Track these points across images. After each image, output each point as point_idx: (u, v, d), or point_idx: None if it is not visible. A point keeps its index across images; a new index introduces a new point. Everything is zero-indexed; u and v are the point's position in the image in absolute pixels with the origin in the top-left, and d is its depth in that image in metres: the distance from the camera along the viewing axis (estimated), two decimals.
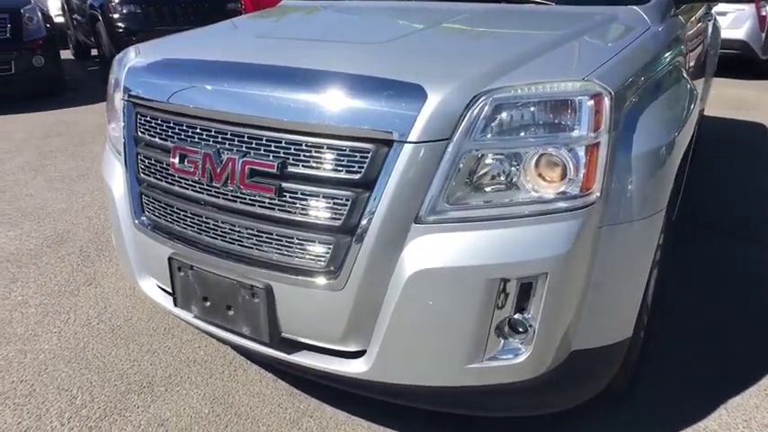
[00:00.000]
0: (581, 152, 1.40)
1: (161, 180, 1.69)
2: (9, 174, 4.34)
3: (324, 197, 1.43)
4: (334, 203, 1.42)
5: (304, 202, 1.45)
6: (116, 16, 6.74)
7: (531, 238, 1.38)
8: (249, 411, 1.98)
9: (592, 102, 1.39)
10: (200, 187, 1.60)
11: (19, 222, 3.48)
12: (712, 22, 3.82)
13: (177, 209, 1.67)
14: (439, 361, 1.45)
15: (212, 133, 1.56)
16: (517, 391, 1.56)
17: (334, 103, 1.41)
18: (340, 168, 1.41)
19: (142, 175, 1.76)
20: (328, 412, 1.97)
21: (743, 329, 2.41)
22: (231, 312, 1.61)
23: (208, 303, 1.65)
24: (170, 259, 1.68)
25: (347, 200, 1.41)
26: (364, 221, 1.39)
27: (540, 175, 1.42)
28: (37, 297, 2.68)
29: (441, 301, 1.40)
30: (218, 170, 1.53)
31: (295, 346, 1.61)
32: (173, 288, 1.72)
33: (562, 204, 1.40)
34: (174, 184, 1.66)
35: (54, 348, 2.31)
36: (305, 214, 1.45)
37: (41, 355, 2.28)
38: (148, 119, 1.72)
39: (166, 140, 1.66)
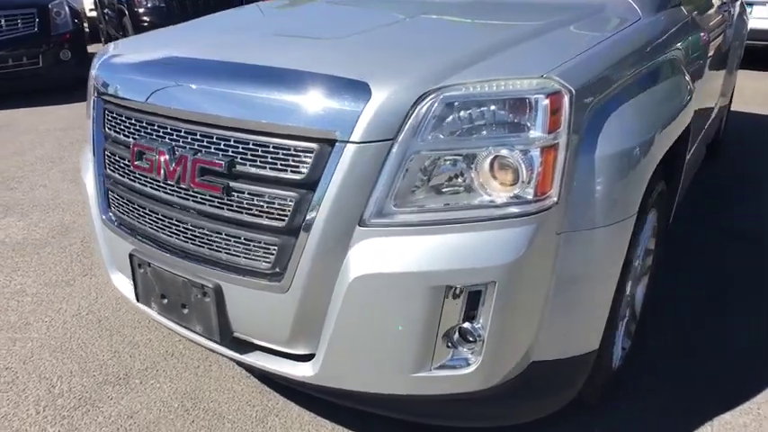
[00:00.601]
0: (536, 154, 1.32)
1: (123, 177, 1.69)
2: (29, 164, 4.48)
3: (269, 197, 1.40)
4: (279, 204, 1.39)
5: (250, 202, 1.42)
6: (141, 10, 6.87)
7: (479, 245, 1.32)
8: (217, 407, 1.98)
9: (548, 101, 1.31)
10: (156, 185, 1.59)
11: (29, 212, 3.58)
12: (738, 12, 3.62)
13: (137, 206, 1.67)
14: (385, 368, 1.41)
15: (168, 130, 1.55)
16: (475, 401, 1.50)
17: (278, 100, 1.38)
18: (284, 168, 1.37)
19: (108, 171, 1.77)
20: (295, 412, 1.95)
21: (744, 341, 2.27)
22: (186, 311, 1.60)
23: (165, 301, 1.65)
24: (131, 256, 1.68)
25: (291, 200, 1.37)
26: (308, 223, 1.36)
27: (494, 178, 1.36)
28: (34, 286, 2.75)
29: (384, 307, 1.35)
30: (172, 168, 1.52)
31: (247, 346, 1.59)
32: (134, 284, 1.72)
33: (514, 209, 1.33)
34: (134, 181, 1.66)
35: (42, 337, 2.37)
36: (251, 214, 1.43)
37: (29, 343, 2.34)
38: (114, 115, 1.72)
39: (128, 137, 1.66)
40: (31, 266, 2.94)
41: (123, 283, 1.90)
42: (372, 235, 1.34)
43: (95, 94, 1.81)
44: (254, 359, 1.57)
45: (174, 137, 1.53)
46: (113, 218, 1.78)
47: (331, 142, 1.33)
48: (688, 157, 2.29)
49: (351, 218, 1.34)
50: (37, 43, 6.32)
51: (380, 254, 1.34)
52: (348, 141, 1.31)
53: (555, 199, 1.35)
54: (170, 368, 2.17)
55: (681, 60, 2.04)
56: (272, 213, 1.40)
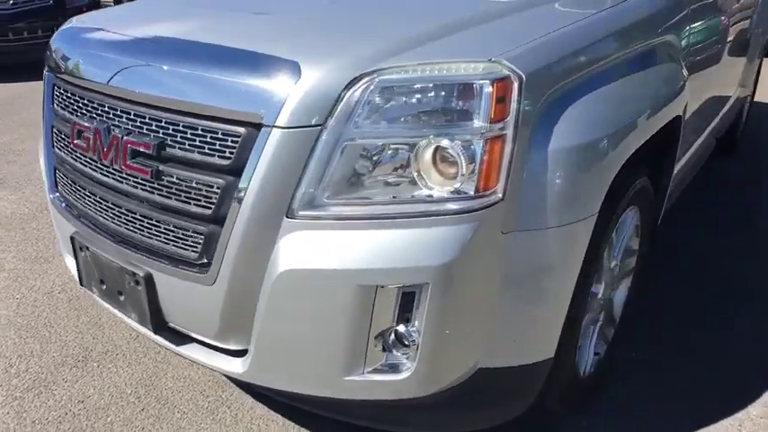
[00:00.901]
0: (478, 146, 1.20)
1: (67, 155, 1.63)
2: (32, 138, 4.49)
3: (197, 183, 1.31)
4: (206, 190, 1.30)
5: (179, 187, 1.34)
6: None
7: (413, 243, 1.21)
8: (170, 396, 1.93)
9: (492, 87, 1.18)
10: (93, 165, 1.52)
11: (23, 186, 3.58)
12: None
13: (78, 186, 1.61)
14: (315, 370, 1.33)
15: (105, 109, 1.47)
16: (419, 407, 1.41)
17: (206, 79, 1.29)
18: (212, 153, 1.29)
19: (56, 149, 1.71)
20: (248, 404, 1.89)
21: (735, 352, 2.13)
22: (122, 298, 1.54)
23: (104, 286, 1.59)
24: (72, 238, 1.62)
25: (218, 187, 1.28)
26: (233, 212, 1.27)
27: (436, 171, 1.24)
28: (13, 262, 2.74)
29: (311, 305, 1.26)
30: (106, 148, 1.44)
31: (184, 338, 1.52)
32: (77, 267, 1.67)
33: (452, 206, 1.22)
34: (76, 161, 1.59)
35: (10, 315, 2.35)
36: (180, 200, 1.35)
37: None
38: (61, 91, 1.65)
39: (72, 114, 1.59)
40: (14, 241, 2.93)
41: (74, 264, 1.86)
42: (301, 228, 1.25)
43: (46, 69, 1.75)
44: (189, 351, 1.51)
45: (111, 116, 1.45)
46: (60, 198, 1.72)
47: (257, 126, 1.23)
48: (689, 151, 2.12)
49: (278, 209, 1.25)
50: (52, 16, 6.34)
51: (308, 248, 1.24)
52: (274, 126, 1.21)
53: (500, 195, 1.23)
54: (130, 352, 2.13)
55: (674, 46, 1.88)
56: (200, 200, 1.32)
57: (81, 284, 1.70)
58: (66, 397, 1.93)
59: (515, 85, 1.21)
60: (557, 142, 1.28)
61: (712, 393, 1.93)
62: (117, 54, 1.47)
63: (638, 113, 1.50)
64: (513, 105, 1.21)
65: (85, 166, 1.55)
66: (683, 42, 1.97)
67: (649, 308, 2.31)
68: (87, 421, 1.84)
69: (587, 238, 1.37)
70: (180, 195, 1.34)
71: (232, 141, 1.26)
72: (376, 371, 1.32)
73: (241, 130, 1.25)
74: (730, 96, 3.17)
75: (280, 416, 1.85)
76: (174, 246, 1.38)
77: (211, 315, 1.37)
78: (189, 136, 1.31)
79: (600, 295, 1.74)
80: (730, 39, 2.72)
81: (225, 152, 1.27)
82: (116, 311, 1.64)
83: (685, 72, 1.90)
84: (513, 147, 1.22)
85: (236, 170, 1.26)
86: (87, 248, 1.58)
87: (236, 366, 1.42)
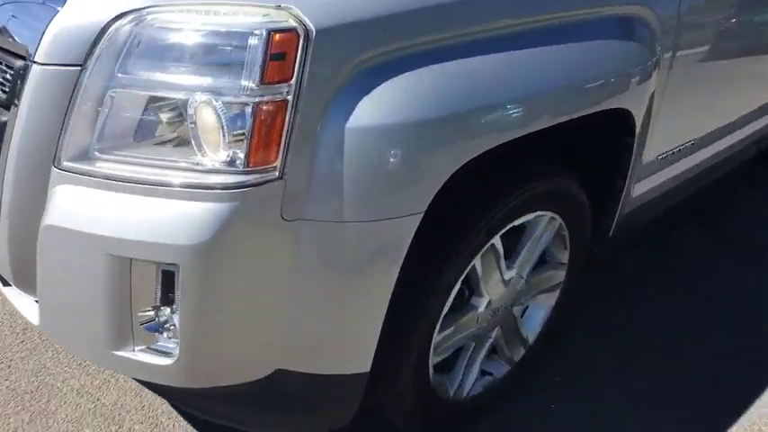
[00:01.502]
0: (248, 110, 0.99)
1: None
2: None
3: None
4: None
5: None
6: None
7: (169, 216, 1.04)
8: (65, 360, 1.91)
9: (264, 40, 0.95)
10: None
11: None
12: None
13: None
14: (86, 336, 1.21)
15: None
16: (215, 397, 1.27)
17: None
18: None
19: None
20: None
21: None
22: None
23: None
24: None
25: None
26: (4, 152, 1.15)
27: (214, 136, 1.05)
28: None
29: (71, 267, 1.13)
30: None
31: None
32: None
33: (216, 179, 1.02)
34: None
35: None
36: None
37: None
38: None
39: None
40: None
41: None
42: (69, 181, 1.11)
43: None
44: (9, 294, 1.44)
45: None
46: None
47: (25, 60, 1.09)
48: (690, 156, 1.72)
49: (45, 156, 1.11)
50: None
51: (70, 205, 1.10)
52: (33, 61, 1.07)
53: (277, 174, 1.02)
54: None
55: (643, 19, 1.49)
56: None
57: None
58: None
59: (300, 40, 0.97)
60: (365, 119, 1.03)
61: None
62: None
63: (517, 99, 1.17)
64: (298, 64, 0.97)
65: None
66: (669, 13, 1.56)
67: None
68: None
69: (405, 241, 1.11)
70: None
71: (11, 75, 1.13)
72: (148, 350, 1.18)
73: (15, 62, 1.11)
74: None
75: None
76: None
77: (2, 259, 1.29)
78: None
79: (482, 309, 1.47)
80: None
81: (6, 85, 1.15)
82: None
83: (656, 54, 1.51)
84: (296, 117, 0.99)
85: (8, 106, 1.13)
86: None
87: (34, 316, 1.34)
